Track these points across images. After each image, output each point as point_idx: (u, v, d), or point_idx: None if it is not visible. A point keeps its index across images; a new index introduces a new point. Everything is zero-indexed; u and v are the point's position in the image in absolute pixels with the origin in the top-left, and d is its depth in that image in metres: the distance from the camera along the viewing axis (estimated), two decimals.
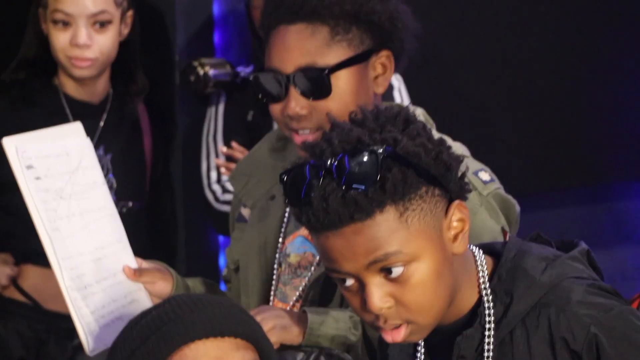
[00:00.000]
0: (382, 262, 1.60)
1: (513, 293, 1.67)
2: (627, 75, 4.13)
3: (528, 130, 3.87)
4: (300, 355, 1.98)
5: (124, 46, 2.91)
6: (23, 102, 2.89)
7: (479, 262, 1.71)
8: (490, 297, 1.69)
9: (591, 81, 4.03)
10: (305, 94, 2.06)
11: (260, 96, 2.11)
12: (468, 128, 3.65)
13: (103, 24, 2.83)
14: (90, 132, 2.81)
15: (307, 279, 2.13)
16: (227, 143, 3.08)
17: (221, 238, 3.30)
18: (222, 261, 3.29)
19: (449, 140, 2.07)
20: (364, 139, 1.61)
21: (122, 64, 2.94)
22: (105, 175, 2.83)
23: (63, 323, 2.80)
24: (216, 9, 3.29)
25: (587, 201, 4.22)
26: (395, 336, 1.65)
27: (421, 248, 1.62)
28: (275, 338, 1.96)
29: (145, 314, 1.71)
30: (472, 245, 1.73)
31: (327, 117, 1.93)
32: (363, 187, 1.57)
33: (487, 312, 1.69)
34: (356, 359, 2.02)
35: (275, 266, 2.16)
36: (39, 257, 2.75)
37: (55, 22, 2.83)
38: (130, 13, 2.91)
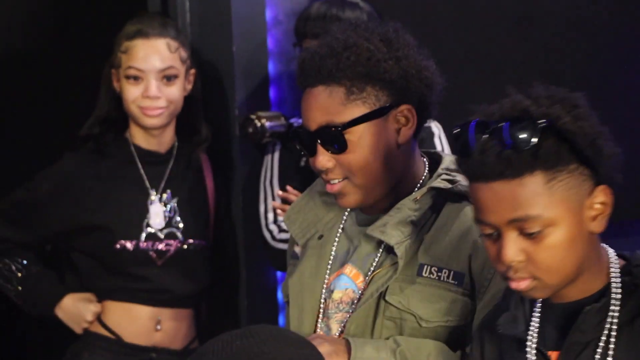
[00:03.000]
0: (522, 222, 1.71)
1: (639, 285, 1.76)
2: (628, 93, 4.07)
3: None
4: None
5: (188, 101, 3.03)
6: (97, 154, 3.01)
7: (611, 255, 1.81)
8: (619, 284, 1.78)
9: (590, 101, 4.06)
10: (328, 149, 2.14)
11: (299, 149, 2.23)
12: None
13: (170, 79, 2.96)
14: (158, 177, 3.03)
15: (348, 314, 2.19)
16: (282, 187, 3.13)
17: (279, 274, 3.33)
18: (279, 295, 3.31)
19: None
20: (531, 109, 1.72)
21: (186, 118, 3.06)
22: (173, 217, 3.03)
23: (142, 354, 3.00)
24: (271, 68, 3.34)
25: None
26: (520, 285, 1.74)
27: (559, 216, 1.72)
28: None
29: (229, 342, 1.76)
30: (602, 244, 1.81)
31: (351, 168, 2.13)
32: (518, 149, 1.69)
33: (614, 296, 1.77)
34: None
35: (322, 301, 2.23)
36: (119, 294, 2.99)
37: (128, 77, 2.95)
38: (192, 71, 3.02)
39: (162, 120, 2.98)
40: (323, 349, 2.07)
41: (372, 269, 2.20)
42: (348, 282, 2.22)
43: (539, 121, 1.71)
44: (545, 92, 1.78)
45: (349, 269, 2.23)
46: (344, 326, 2.19)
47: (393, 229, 2.17)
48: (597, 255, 1.80)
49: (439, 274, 2.15)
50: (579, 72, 3.87)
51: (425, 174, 2.26)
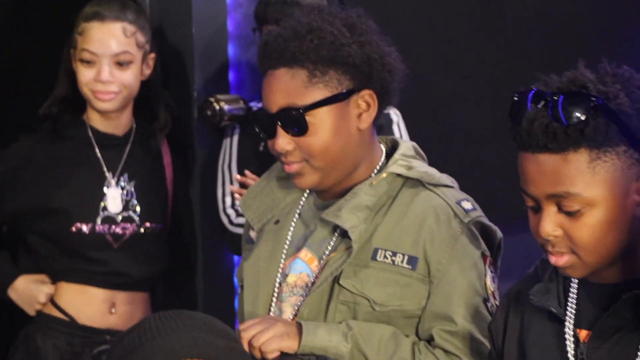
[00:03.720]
0: (561, 198, 1.67)
1: None
2: None
3: (513, 160, 3.96)
4: None
5: (147, 85, 2.99)
6: (54, 135, 2.98)
7: None
8: None
9: None
10: (287, 131, 2.15)
11: (258, 132, 2.23)
12: (459, 158, 3.68)
13: (124, 64, 2.92)
14: (115, 160, 3.01)
15: (302, 297, 2.21)
16: (240, 171, 3.12)
17: (236, 258, 3.32)
18: (236, 279, 3.02)
19: (437, 172, 2.26)
20: (589, 85, 1.67)
21: (144, 101, 3.03)
22: (130, 200, 3.01)
23: (96, 337, 2.95)
24: (231, 51, 3.33)
25: None
26: (559, 261, 1.71)
27: (600, 197, 1.67)
28: (274, 345, 2.09)
29: (125, 333, 1.76)
30: None
31: (311, 151, 2.15)
32: (565, 124, 1.64)
33: None
34: None
35: (277, 284, 2.24)
36: (74, 276, 2.96)
37: (81, 60, 2.92)
38: (152, 56, 2.99)
39: (114, 104, 2.95)
40: (276, 330, 2.09)
41: (327, 253, 2.22)
42: (303, 266, 2.23)
43: (593, 98, 1.66)
44: (612, 70, 1.73)
45: (304, 253, 2.25)
46: (298, 310, 2.20)
47: (348, 213, 2.18)
48: None
49: (394, 258, 2.17)
50: (543, 63, 3.87)
51: (382, 159, 2.27)
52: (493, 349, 1.95)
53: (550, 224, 1.70)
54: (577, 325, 1.80)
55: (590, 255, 1.71)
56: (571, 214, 1.69)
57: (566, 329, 1.80)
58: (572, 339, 1.80)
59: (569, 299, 1.82)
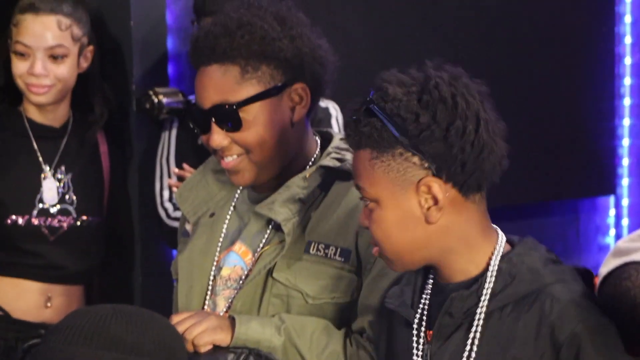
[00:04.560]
0: (359, 189, 1.84)
1: (516, 276, 1.78)
2: (595, 96, 4.20)
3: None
4: (231, 356, 2.04)
5: (84, 77, 2.99)
6: None
7: (498, 241, 1.82)
8: (495, 272, 1.79)
9: (553, 103, 4.11)
10: (222, 127, 2.14)
11: (192, 127, 2.23)
12: None
13: (58, 57, 2.90)
14: (51, 152, 2.98)
15: (236, 290, 2.20)
16: (178, 165, 3.13)
17: (174, 252, 3.21)
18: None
19: None
20: (377, 89, 1.81)
21: (82, 94, 3.02)
22: (66, 192, 2.99)
23: (31, 331, 2.91)
24: (170, 44, 3.33)
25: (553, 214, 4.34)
26: (375, 252, 1.86)
27: (381, 195, 1.79)
28: (207, 338, 2.07)
29: (73, 318, 1.74)
30: (498, 228, 1.85)
31: (247, 145, 2.14)
32: (354, 121, 1.81)
33: (487, 284, 1.79)
34: None
35: (211, 278, 2.24)
36: (9, 269, 2.93)
37: (16, 52, 2.90)
38: (90, 48, 2.98)
39: (48, 98, 2.93)
40: (208, 323, 2.08)
41: (260, 246, 2.21)
42: (237, 259, 2.23)
43: (369, 99, 1.80)
44: (417, 78, 1.79)
45: (238, 246, 2.24)
46: (231, 302, 2.20)
47: (281, 206, 2.19)
48: (466, 241, 1.81)
49: (326, 250, 2.17)
50: (480, 60, 3.91)
51: (317, 152, 2.28)
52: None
53: (362, 214, 1.87)
54: (428, 327, 1.87)
55: (389, 251, 1.83)
56: (370, 208, 1.82)
57: (414, 331, 1.87)
58: (421, 340, 1.86)
59: (421, 300, 1.88)
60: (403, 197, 1.78)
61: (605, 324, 1.75)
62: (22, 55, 2.90)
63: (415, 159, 1.77)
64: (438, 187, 1.77)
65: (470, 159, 1.76)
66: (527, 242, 1.86)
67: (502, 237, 1.85)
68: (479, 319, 1.79)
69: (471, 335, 1.80)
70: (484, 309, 1.79)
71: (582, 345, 1.72)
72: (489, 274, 1.80)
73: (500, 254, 1.82)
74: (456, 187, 1.78)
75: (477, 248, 1.82)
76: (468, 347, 1.80)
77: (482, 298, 1.79)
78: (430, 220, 1.79)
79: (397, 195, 1.78)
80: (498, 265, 1.80)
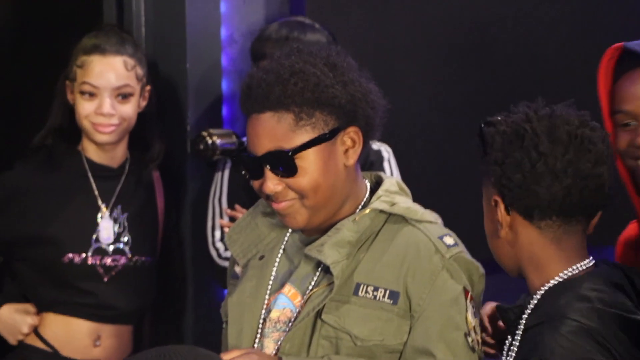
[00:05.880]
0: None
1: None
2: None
3: None
4: None
5: (142, 117, 3.03)
6: (49, 165, 3.00)
7: (568, 269, 2.02)
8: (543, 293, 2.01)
9: None
10: (276, 173, 2.16)
11: (243, 173, 2.24)
12: (448, 194, 3.67)
13: (125, 96, 2.96)
14: (109, 192, 3.02)
15: (285, 333, 2.20)
16: (230, 205, 3.14)
17: (225, 291, 3.16)
18: None
19: (420, 208, 2.26)
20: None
21: (139, 133, 3.06)
22: (122, 232, 3.02)
23: None
24: (225, 86, 3.35)
25: None
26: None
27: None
28: None
29: None
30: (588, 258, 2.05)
31: (301, 190, 2.16)
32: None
33: (530, 306, 2.01)
34: None
35: (260, 320, 2.24)
36: (61, 307, 2.96)
37: (82, 92, 2.94)
38: (148, 88, 3.03)
39: (113, 137, 2.98)
40: None
41: (310, 288, 2.22)
42: (286, 302, 2.23)
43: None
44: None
45: (288, 289, 2.25)
46: (280, 344, 2.20)
47: (330, 248, 2.20)
48: (529, 260, 2.05)
49: (375, 293, 2.17)
50: (529, 97, 3.91)
51: (366, 195, 2.29)
52: None
53: None
54: None
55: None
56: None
57: None
58: None
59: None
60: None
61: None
62: (89, 95, 2.95)
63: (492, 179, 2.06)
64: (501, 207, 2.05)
65: (523, 188, 2.01)
66: (594, 274, 2.02)
67: (572, 270, 2.01)
68: (518, 332, 2.00)
69: (511, 346, 2.00)
70: (523, 322, 1.99)
71: None
72: (539, 292, 2.01)
73: (562, 279, 2.00)
74: (515, 210, 2.04)
75: (541, 268, 2.02)
76: (504, 356, 2.02)
77: (525, 312, 2.00)
78: (499, 234, 2.06)
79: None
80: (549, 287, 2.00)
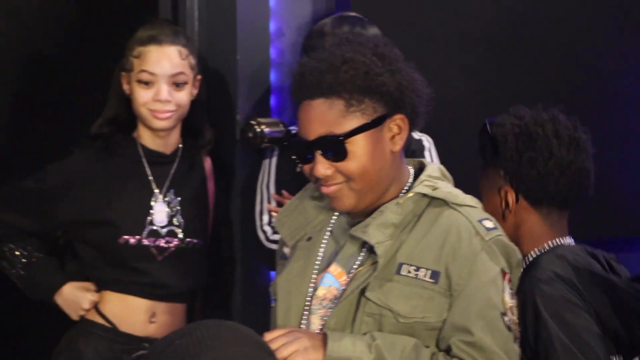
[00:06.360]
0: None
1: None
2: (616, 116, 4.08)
3: None
4: None
5: (193, 106, 3.08)
6: (106, 152, 3.06)
7: (550, 243, 2.46)
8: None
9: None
10: (327, 157, 2.22)
11: (294, 158, 2.30)
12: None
13: (179, 84, 3.01)
14: (162, 177, 3.09)
15: (331, 310, 2.26)
16: (278, 191, 3.18)
17: (272, 273, 3.07)
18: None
19: (461, 193, 2.34)
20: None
21: (191, 121, 3.11)
22: (174, 215, 3.07)
23: (136, 344, 3.03)
24: (273, 77, 3.38)
25: None
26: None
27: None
28: (299, 358, 2.12)
29: (171, 341, 1.75)
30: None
31: (350, 174, 2.22)
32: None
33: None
34: None
35: (308, 298, 2.31)
36: (118, 285, 3.04)
37: (139, 81, 3.01)
38: (199, 77, 3.08)
39: (170, 123, 3.04)
40: (299, 343, 2.15)
41: (354, 267, 2.29)
42: (332, 280, 2.30)
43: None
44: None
45: (334, 268, 2.32)
46: (325, 321, 2.26)
47: (375, 229, 2.27)
48: (530, 236, 2.50)
49: (417, 272, 2.24)
50: (570, 88, 3.90)
51: (410, 180, 2.36)
52: None
53: None
54: None
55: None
56: None
57: None
58: None
59: None
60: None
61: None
62: (146, 83, 3.01)
63: (502, 172, 2.43)
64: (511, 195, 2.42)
65: (537, 182, 2.41)
66: (574, 246, 2.43)
67: (558, 241, 2.44)
68: None
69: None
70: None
71: None
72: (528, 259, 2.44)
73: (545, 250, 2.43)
74: (526, 199, 2.43)
75: (538, 244, 2.45)
76: None
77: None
78: (502, 217, 2.45)
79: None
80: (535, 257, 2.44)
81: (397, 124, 2.26)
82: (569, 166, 2.41)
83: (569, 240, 2.48)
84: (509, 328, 2.21)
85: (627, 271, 2.48)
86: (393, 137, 2.26)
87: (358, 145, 2.21)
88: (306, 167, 2.27)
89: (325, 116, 2.21)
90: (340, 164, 2.23)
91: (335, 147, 2.20)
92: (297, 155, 2.28)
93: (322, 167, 2.23)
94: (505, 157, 2.38)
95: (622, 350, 2.37)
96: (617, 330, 2.35)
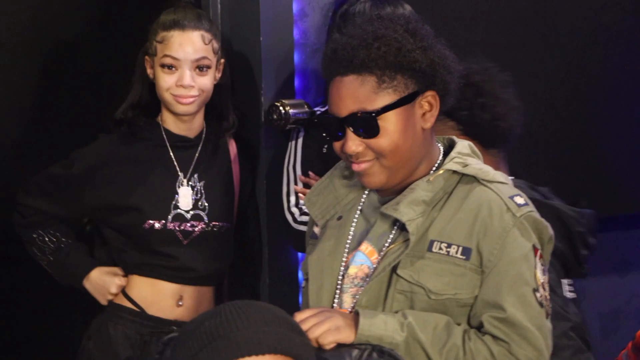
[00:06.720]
0: None
1: None
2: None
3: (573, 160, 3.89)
4: (355, 352, 2.07)
5: (217, 89, 3.08)
6: (131, 137, 3.08)
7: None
8: None
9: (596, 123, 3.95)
10: (358, 134, 2.22)
11: (324, 135, 2.31)
12: (523, 159, 3.62)
13: (203, 69, 3.01)
14: (186, 161, 3.09)
15: (362, 288, 2.26)
16: (304, 172, 3.19)
17: (299, 255, 3.38)
18: (300, 275, 3.34)
19: (491, 170, 2.32)
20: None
21: (215, 105, 3.12)
22: (199, 199, 3.08)
23: (164, 327, 3.04)
24: (297, 58, 3.38)
25: None
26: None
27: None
28: (331, 338, 2.15)
29: (200, 322, 1.74)
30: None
31: (381, 151, 2.21)
32: None
33: None
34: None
35: (340, 277, 2.31)
36: (145, 270, 3.07)
37: (163, 65, 3.01)
38: (222, 61, 3.09)
39: (193, 107, 3.04)
40: (331, 322, 2.16)
41: (386, 245, 2.29)
42: (363, 258, 2.30)
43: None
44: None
45: (365, 246, 2.32)
46: (357, 299, 2.27)
47: (406, 207, 2.26)
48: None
49: (448, 249, 2.24)
50: (601, 72, 3.90)
51: (440, 157, 2.36)
52: None
53: None
54: None
55: None
56: None
57: None
58: None
59: None
60: None
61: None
62: (169, 68, 3.01)
63: (452, 124, 2.61)
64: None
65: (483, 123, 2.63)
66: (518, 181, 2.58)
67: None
68: None
69: None
70: None
71: None
72: None
73: None
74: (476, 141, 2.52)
75: None
76: None
77: None
78: None
79: None
80: None
81: (428, 100, 2.26)
82: (511, 106, 2.68)
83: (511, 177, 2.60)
84: (540, 304, 2.22)
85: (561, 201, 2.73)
86: (424, 114, 2.26)
87: (390, 122, 2.22)
88: (337, 144, 2.27)
89: (356, 92, 2.20)
90: (371, 141, 2.23)
91: (366, 124, 2.21)
92: (327, 132, 2.28)
93: (353, 143, 2.23)
94: (457, 108, 2.50)
95: (570, 273, 2.64)
96: (565, 252, 2.54)
